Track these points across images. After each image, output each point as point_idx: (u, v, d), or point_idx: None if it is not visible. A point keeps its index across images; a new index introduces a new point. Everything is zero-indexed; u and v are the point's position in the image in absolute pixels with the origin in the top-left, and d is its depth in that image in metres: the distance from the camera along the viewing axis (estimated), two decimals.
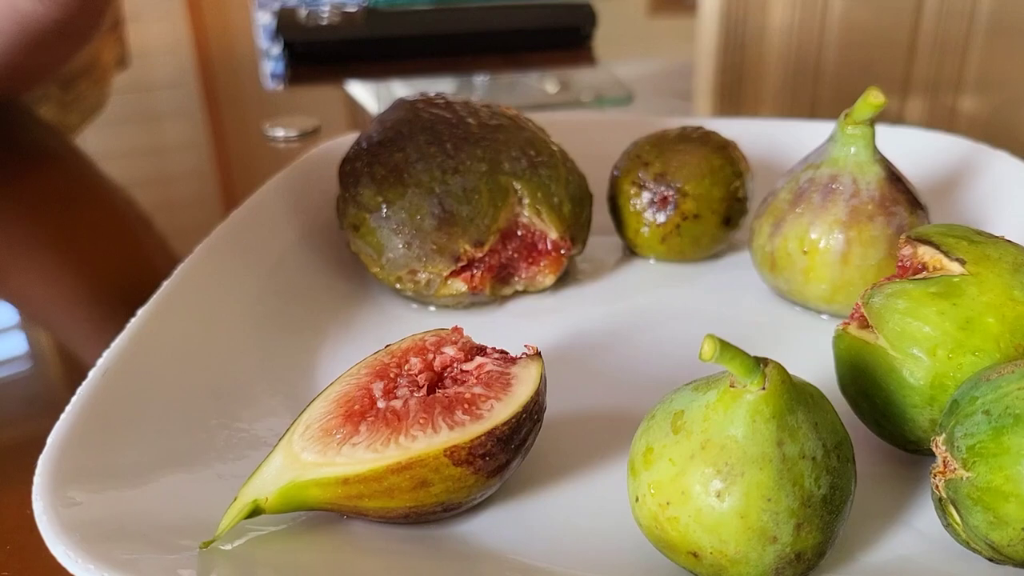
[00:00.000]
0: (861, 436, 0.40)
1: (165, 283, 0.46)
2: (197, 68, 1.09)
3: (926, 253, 0.38)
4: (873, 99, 0.45)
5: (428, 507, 0.34)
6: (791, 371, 0.44)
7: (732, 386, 0.31)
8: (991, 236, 0.38)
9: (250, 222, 0.53)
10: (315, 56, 1.06)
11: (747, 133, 0.65)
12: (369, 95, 1.00)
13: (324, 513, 0.35)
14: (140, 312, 0.43)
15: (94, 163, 0.82)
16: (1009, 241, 0.38)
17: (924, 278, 0.37)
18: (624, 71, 1.04)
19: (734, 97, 1.03)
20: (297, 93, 1.02)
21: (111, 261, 0.62)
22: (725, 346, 0.30)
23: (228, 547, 0.33)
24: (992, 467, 0.30)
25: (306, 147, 0.78)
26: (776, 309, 0.51)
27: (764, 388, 0.30)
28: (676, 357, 0.47)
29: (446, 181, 0.50)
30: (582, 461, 0.40)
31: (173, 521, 0.34)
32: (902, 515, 0.36)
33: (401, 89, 1.02)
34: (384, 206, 0.50)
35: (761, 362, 0.30)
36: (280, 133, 0.85)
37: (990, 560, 0.32)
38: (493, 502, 0.37)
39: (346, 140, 0.62)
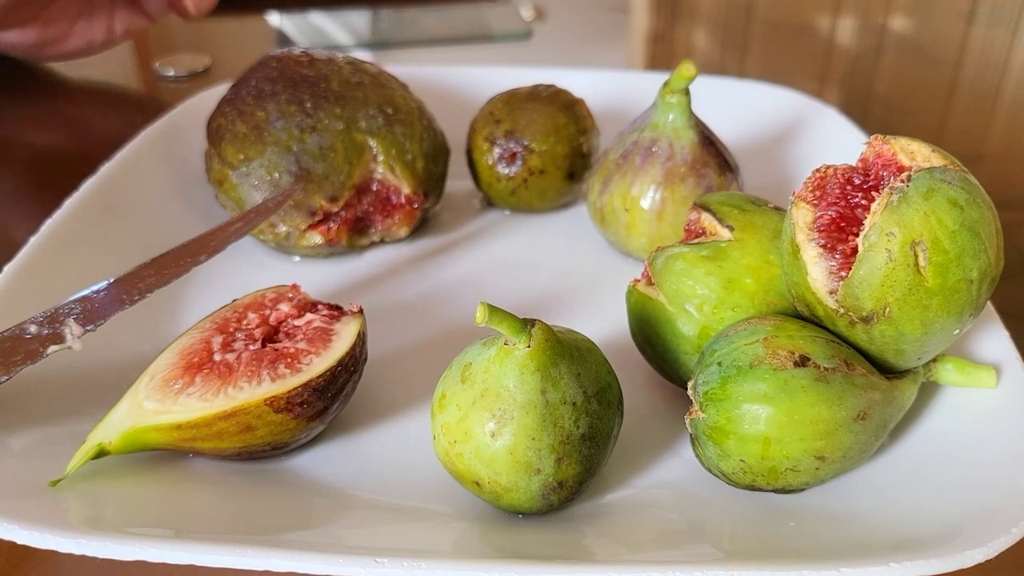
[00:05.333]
0: (651, 376, 0.46)
1: (32, 239, 0.49)
2: None
3: (705, 219, 0.44)
4: (686, 71, 0.50)
5: (257, 447, 0.39)
6: (609, 316, 0.50)
7: (506, 344, 0.36)
8: (763, 205, 0.44)
9: (121, 176, 0.57)
10: None
11: (609, 86, 0.69)
12: (276, 26, 1.01)
13: (171, 452, 0.40)
14: (5, 268, 0.46)
15: None
16: (777, 209, 0.44)
17: (699, 243, 0.43)
18: None
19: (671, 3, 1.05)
20: (199, 26, 1.02)
21: None
22: (494, 311, 0.35)
23: (78, 484, 0.38)
24: (719, 410, 0.36)
25: (194, 87, 0.80)
26: (608, 259, 0.57)
27: (529, 346, 0.35)
28: (508, 305, 0.52)
29: (303, 140, 0.54)
30: (407, 402, 0.45)
31: (29, 464, 0.38)
32: (673, 446, 0.42)
33: (317, 19, 1.04)
34: (244, 163, 0.54)
35: (529, 323, 0.36)
36: (171, 72, 0.87)
37: (727, 484, 0.38)
38: (324, 440, 0.42)
39: (219, 91, 0.65)
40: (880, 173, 0.37)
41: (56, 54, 0.82)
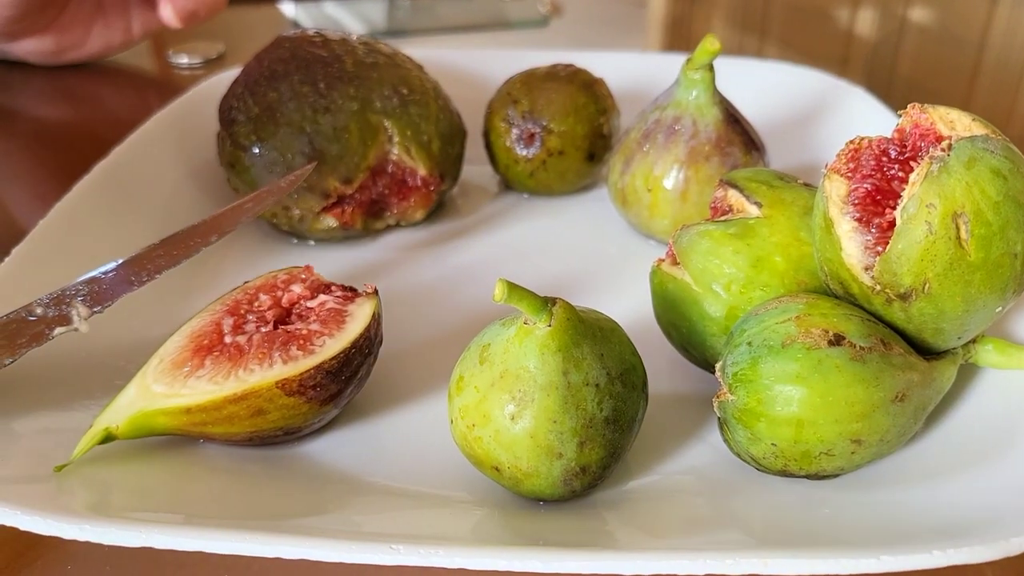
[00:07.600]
0: (675, 360, 0.44)
1: (42, 221, 0.48)
2: None
3: (732, 196, 0.42)
4: (710, 45, 0.48)
5: (268, 431, 0.38)
6: (631, 300, 0.48)
7: (526, 323, 0.34)
8: (791, 181, 0.42)
9: (132, 159, 0.55)
10: None
11: (628, 68, 0.68)
12: (290, 16, 1.00)
13: (180, 437, 0.39)
14: (14, 251, 0.45)
15: None
16: (806, 185, 0.42)
17: (726, 220, 0.41)
18: None
19: None
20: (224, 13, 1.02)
21: None
22: (514, 288, 0.33)
23: (84, 469, 0.36)
24: (749, 391, 0.34)
25: (207, 75, 0.79)
26: (629, 241, 0.55)
27: (550, 325, 0.34)
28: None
29: (317, 120, 0.53)
30: (424, 385, 0.44)
31: (34, 449, 0.37)
32: (700, 431, 0.41)
33: (331, 8, 1.03)
34: (257, 145, 0.53)
35: (549, 302, 0.34)
36: (184, 60, 0.86)
37: (757, 469, 0.37)
38: (338, 425, 0.41)
39: (232, 75, 0.64)
40: (917, 144, 0.36)
41: (75, 58, 0.82)
